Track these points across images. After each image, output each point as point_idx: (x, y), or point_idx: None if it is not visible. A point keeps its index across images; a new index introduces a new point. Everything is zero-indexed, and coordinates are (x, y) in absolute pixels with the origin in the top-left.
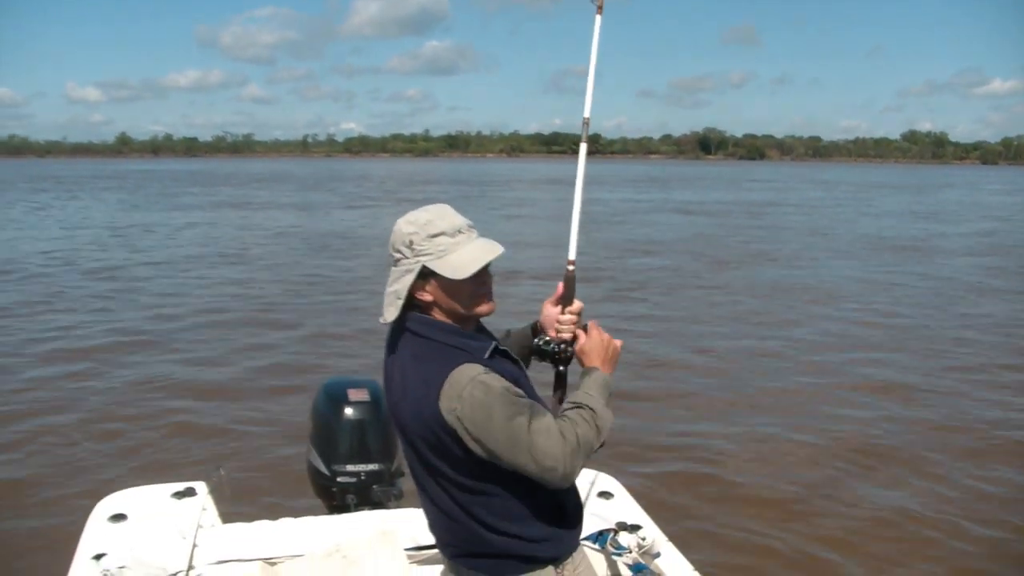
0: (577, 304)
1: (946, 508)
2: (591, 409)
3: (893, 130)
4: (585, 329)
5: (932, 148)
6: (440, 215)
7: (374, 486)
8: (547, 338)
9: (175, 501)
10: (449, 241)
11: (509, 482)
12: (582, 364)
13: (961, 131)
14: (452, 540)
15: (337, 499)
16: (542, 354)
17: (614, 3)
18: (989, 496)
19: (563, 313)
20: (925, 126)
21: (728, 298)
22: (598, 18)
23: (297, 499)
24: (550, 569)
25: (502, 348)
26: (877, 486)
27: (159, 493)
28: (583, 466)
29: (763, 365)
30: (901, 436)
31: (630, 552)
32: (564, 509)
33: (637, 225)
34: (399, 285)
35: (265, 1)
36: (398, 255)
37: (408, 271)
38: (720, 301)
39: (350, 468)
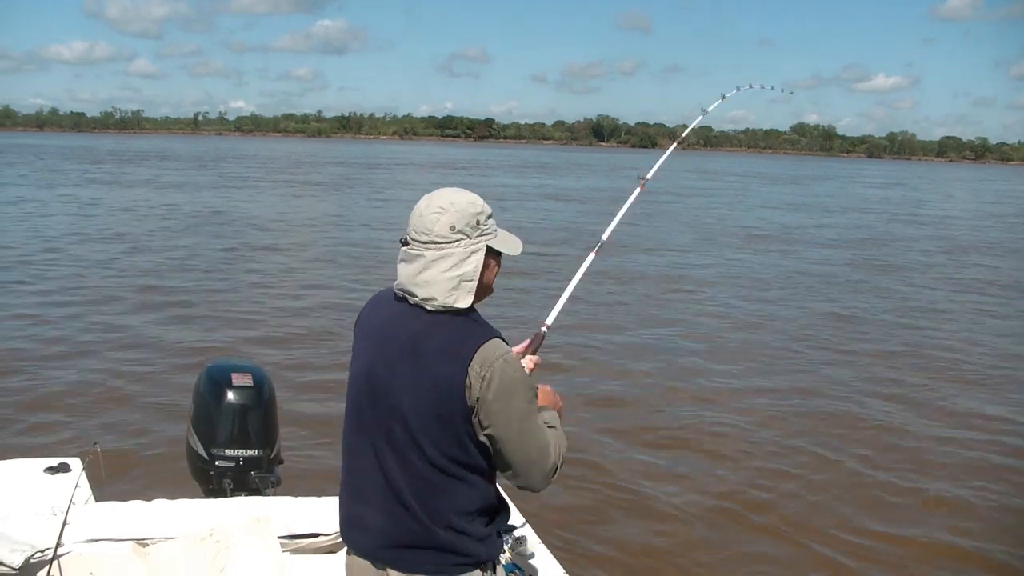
0: (537, 357)
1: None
2: (560, 431)
3: (780, 122)
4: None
5: (820, 141)
6: (477, 196)
7: (252, 472)
8: None
9: (47, 476)
10: (495, 221)
11: (476, 475)
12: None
13: (846, 124)
14: (393, 530)
15: (214, 483)
16: None
17: None
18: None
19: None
20: (812, 119)
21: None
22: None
23: (173, 481)
24: (477, 572)
25: None
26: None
27: (31, 467)
28: None
29: (641, 361)
30: (760, 434)
31: (503, 552)
32: (501, 513)
33: (513, 210)
34: (468, 267)
35: None
36: (459, 236)
37: (475, 251)
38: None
39: (228, 453)
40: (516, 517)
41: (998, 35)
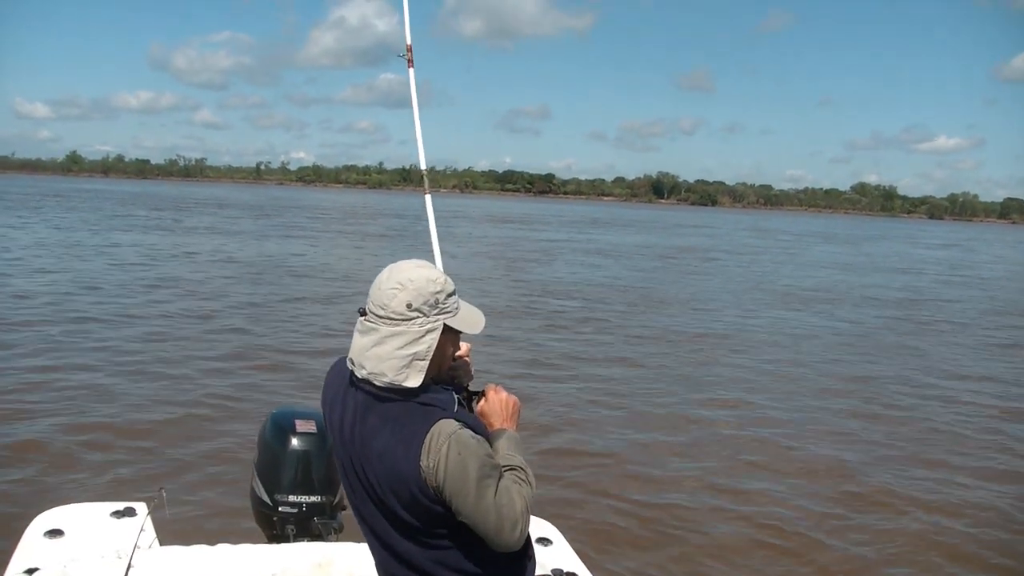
0: (465, 346)
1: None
2: (521, 469)
3: (839, 181)
4: (483, 393)
5: (881, 201)
6: (440, 273)
7: (315, 518)
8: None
9: (114, 520)
10: (456, 299)
11: (470, 535)
12: (488, 426)
13: (906, 185)
14: None
15: (277, 528)
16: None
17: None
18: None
19: (453, 359)
20: (871, 179)
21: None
22: (411, 71)
23: (237, 526)
24: None
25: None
26: (832, 538)
27: (98, 511)
28: None
29: (689, 408)
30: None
31: None
32: (525, 556)
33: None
34: (420, 347)
35: (222, 25)
36: (414, 314)
37: (430, 330)
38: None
39: (292, 499)
40: (576, 564)
41: None
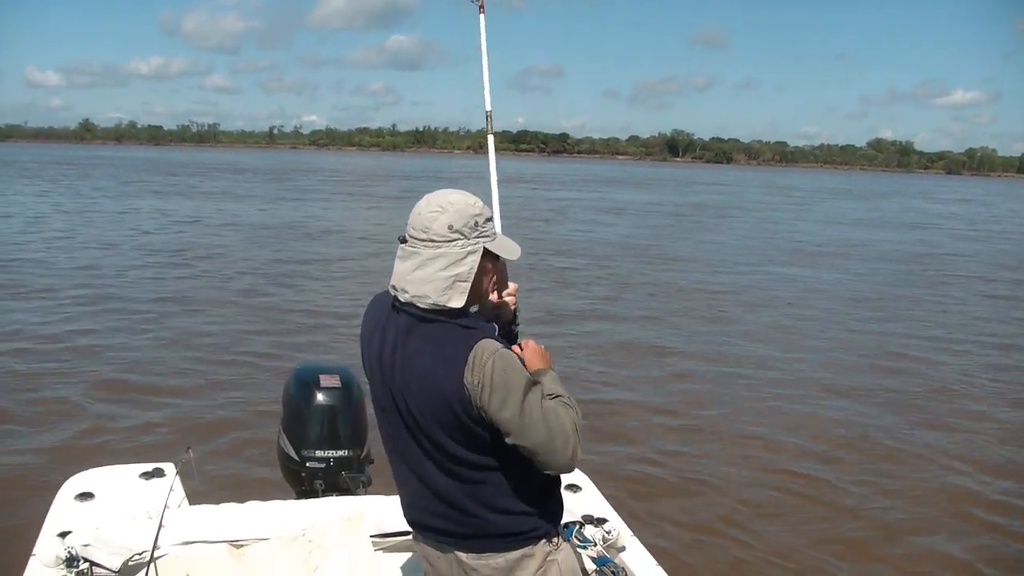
0: (513, 285)
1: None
2: (568, 396)
3: (854, 136)
4: (520, 345)
5: (898, 156)
6: (477, 198)
7: (343, 472)
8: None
9: (143, 481)
10: (494, 225)
11: (509, 459)
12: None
13: (922, 140)
14: (446, 524)
15: (305, 484)
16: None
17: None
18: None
19: (500, 297)
20: (887, 134)
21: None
22: (482, 17)
23: (266, 483)
24: (543, 543)
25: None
26: (850, 484)
27: (127, 473)
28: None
29: (714, 366)
30: (863, 430)
31: (595, 545)
32: (551, 485)
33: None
34: (462, 268)
35: None
36: (455, 236)
37: (471, 252)
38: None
39: (319, 454)
40: (607, 510)
41: None
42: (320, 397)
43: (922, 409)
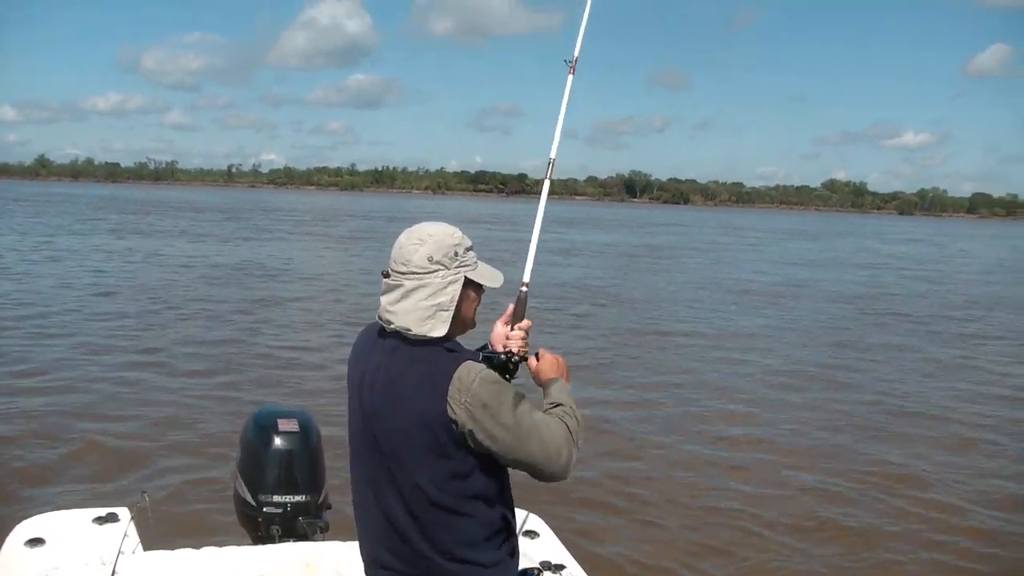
0: (526, 322)
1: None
2: (569, 406)
3: (809, 177)
4: (536, 355)
5: (852, 197)
6: (456, 228)
7: (299, 518)
8: (496, 351)
9: (96, 526)
10: (474, 254)
11: (474, 502)
12: (539, 383)
13: (875, 181)
14: (399, 564)
15: (262, 529)
16: (490, 365)
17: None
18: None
19: (512, 329)
20: (840, 175)
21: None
22: (570, 77)
23: (222, 528)
24: None
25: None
26: (804, 522)
27: (80, 518)
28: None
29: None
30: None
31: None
32: (511, 538)
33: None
34: (443, 297)
35: (193, 26)
36: (436, 267)
37: (452, 282)
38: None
39: (276, 499)
40: (565, 556)
41: None
42: (278, 441)
43: (866, 444)
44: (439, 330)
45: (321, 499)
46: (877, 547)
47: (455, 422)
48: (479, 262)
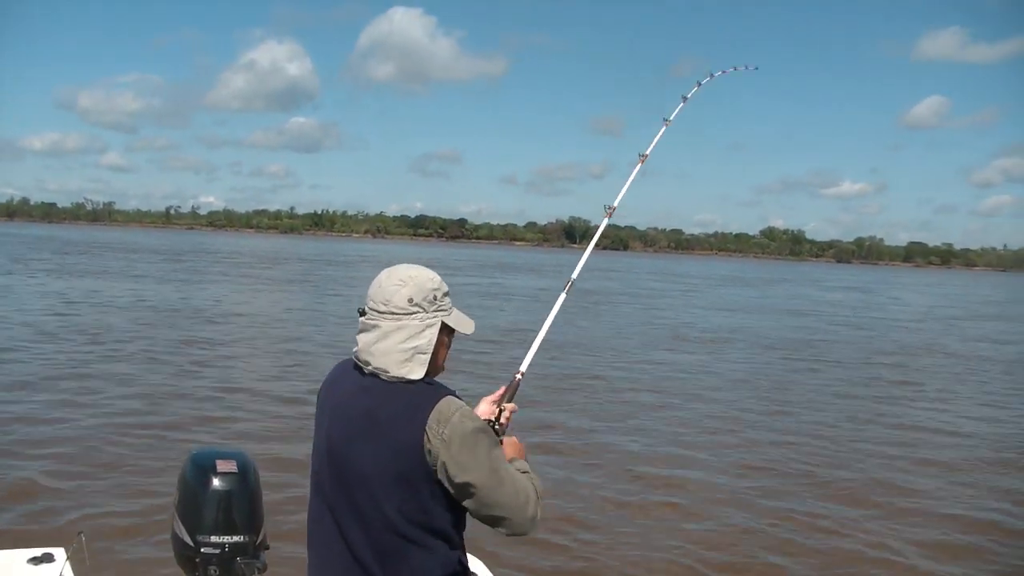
0: (514, 405)
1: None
2: (532, 475)
3: (747, 225)
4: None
5: (790, 245)
6: (435, 274)
7: (238, 558)
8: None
9: (31, 567)
10: (450, 300)
11: (441, 538)
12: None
13: (813, 229)
14: None
15: (200, 570)
16: None
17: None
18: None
19: (500, 407)
20: (778, 223)
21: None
22: (664, 128)
23: (159, 568)
24: None
25: None
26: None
27: (14, 559)
28: None
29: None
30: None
31: None
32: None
33: (466, 309)
34: (422, 340)
35: (131, 67)
36: (416, 309)
37: (429, 325)
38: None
39: (214, 539)
40: None
41: (961, 143)
42: (216, 482)
43: (790, 485)
44: (417, 372)
45: (260, 539)
46: None
47: (430, 452)
48: (454, 308)
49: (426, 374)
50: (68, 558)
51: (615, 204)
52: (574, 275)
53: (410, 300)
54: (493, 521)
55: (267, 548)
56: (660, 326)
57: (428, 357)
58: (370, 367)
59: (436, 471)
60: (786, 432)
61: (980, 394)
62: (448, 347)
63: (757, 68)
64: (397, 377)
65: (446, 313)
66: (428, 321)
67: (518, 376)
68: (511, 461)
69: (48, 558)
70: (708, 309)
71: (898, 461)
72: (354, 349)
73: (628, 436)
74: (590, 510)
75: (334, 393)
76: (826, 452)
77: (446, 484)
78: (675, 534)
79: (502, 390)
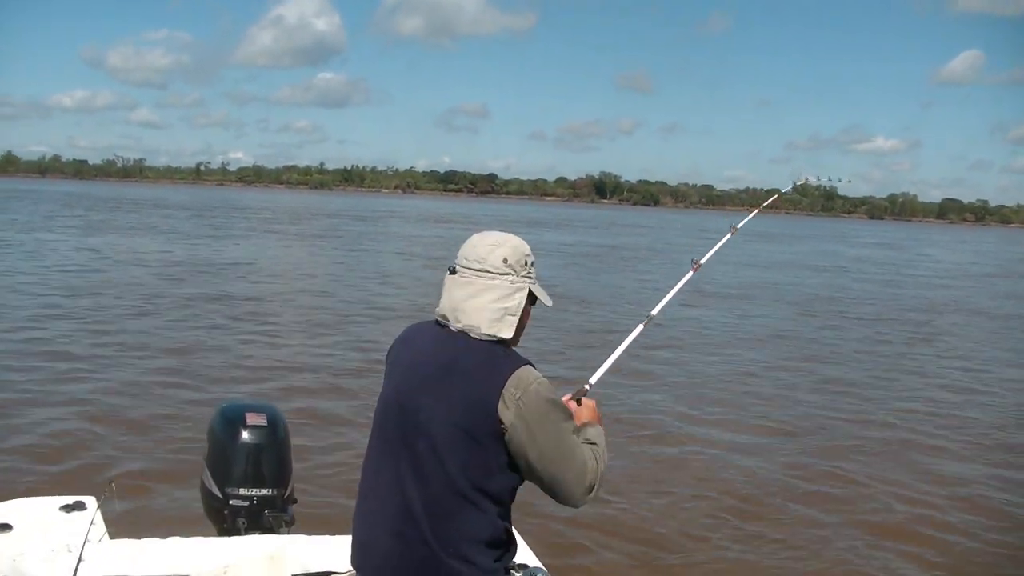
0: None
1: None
2: (602, 449)
3: (778, 181)
4: (578, 400)
5: (822, 201)
6: (525, 242)
7: (266, 511)
8: None
9: (63, 514)
10: (536, 269)
11: (495, 502)
12: (577, 425)
13: (844, 186)
14: (400, 554)
15: (228, 522)
16: None
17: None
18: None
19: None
20: (810, 179)
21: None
22: (691, 273)
23: (188, 520)
24: None
25: None
26: (770, 521)
27: (47, 505)
28: None
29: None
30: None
31: None
32: (508, 556)
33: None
34: (512, 302)
35: (161, 23)
36: (508, 270)
37: (519, 289)
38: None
39: (243, 492)
40: (529, 555)
41: (996, 99)
42: (245, 435)
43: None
44: (506, 332)
45: (287, 493)
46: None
47: (503, 414)
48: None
49: (513, 338)
50: (99, 506)
51: (701, 261)
52: (654, 312)
53: (504, 260)
54: (548, 491)
55: (295, 502)
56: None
57: (517, 320)
58: (459, 324)
59: (505, 433)
60: (807, 388)
61: (1009, 352)
62: (529, 317)
63: (850, 181)
64: (486, 335)
65: (533, 281)
66: (518, 284)
67: (586, 387)
68: (584, 426)
69: (80, 506)
70: (733, 264)
71: (924, 417)
72: (438, 308)
73: (650, 392)
74: (614, 466)
75: (409, 348)
76: (851, 408)
77: (511, 449)
78: (700, 485)
79: (568, 396)
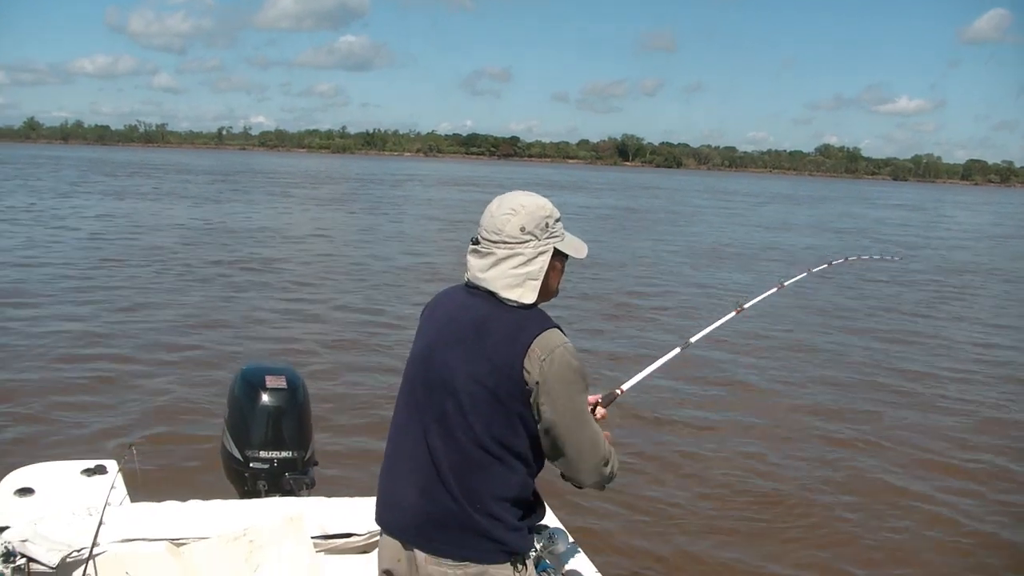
0: (605, 411)
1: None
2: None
3: (800, 142)
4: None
5: (845, 163)
6: (546, 200)
7: (286, 473)
8: None
9: (84, 478)
10: (562, 224)
11: (521, 461)
12: None
13: (868, 147)
14: (427, 507)
15: (248, 484)
16: None
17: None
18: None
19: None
20: (832, 140)
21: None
22: (733, 313)
23: (208, 482)
24: (507, 567)
25: None
26: (797, 499)
27: (68, 469)
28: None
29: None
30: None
31: (534, 550)
32: (533, 516)
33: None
34: (533, 267)
35: None
36: (528, 237)
37: (542, 252)
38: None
39: (263, 454)
40: (550, 518)
41: (1022, 59)
42: (265, 398)
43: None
44: (528, 297)
45: (308, 455)
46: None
47: (527, 375)
48: (566, 232)
49: (538, 300)
50: (120, 470)
51: (745, 306)
52: (693, 339)
53: (522, 229)
54: (566, 466)
55: (315, 464)
56: (699, 243)
57: (539, 283)
58: (484, 288)
59: (531, 394)
60: (823, 351)
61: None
62: (562, 272)
63: (900, 259)
64: (508, 300)
65: (559, 239)
66: (540, 248)
67: (618, 391)
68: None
69: (100, 470)
70: (751, 227)
71: (941, 381)
72: (466, 274)
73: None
74: (628, 434)
75: (440, 309)
76: (864, 371)
77: (534, 409)
78: (721, 454)
79: (598, 396)
